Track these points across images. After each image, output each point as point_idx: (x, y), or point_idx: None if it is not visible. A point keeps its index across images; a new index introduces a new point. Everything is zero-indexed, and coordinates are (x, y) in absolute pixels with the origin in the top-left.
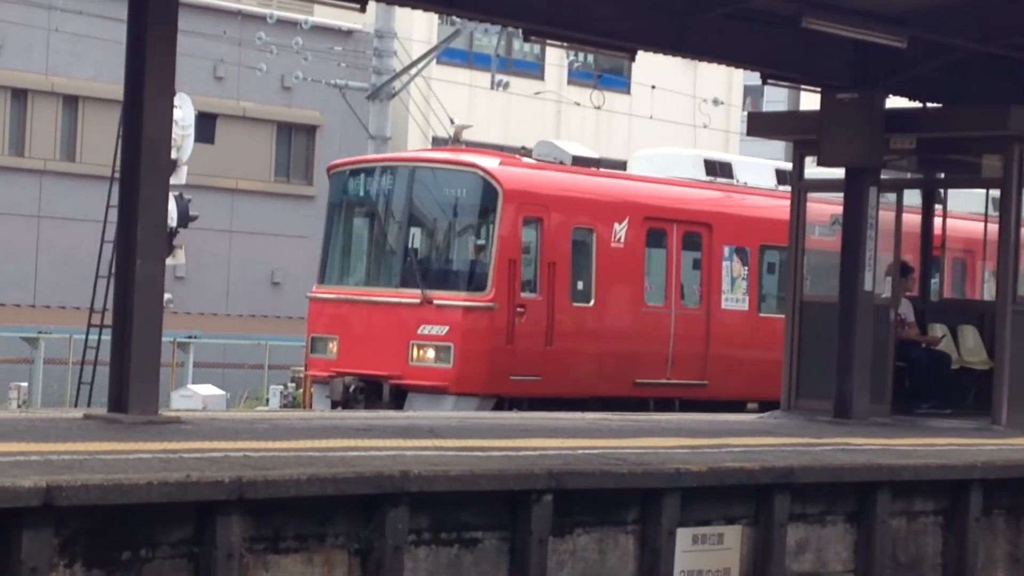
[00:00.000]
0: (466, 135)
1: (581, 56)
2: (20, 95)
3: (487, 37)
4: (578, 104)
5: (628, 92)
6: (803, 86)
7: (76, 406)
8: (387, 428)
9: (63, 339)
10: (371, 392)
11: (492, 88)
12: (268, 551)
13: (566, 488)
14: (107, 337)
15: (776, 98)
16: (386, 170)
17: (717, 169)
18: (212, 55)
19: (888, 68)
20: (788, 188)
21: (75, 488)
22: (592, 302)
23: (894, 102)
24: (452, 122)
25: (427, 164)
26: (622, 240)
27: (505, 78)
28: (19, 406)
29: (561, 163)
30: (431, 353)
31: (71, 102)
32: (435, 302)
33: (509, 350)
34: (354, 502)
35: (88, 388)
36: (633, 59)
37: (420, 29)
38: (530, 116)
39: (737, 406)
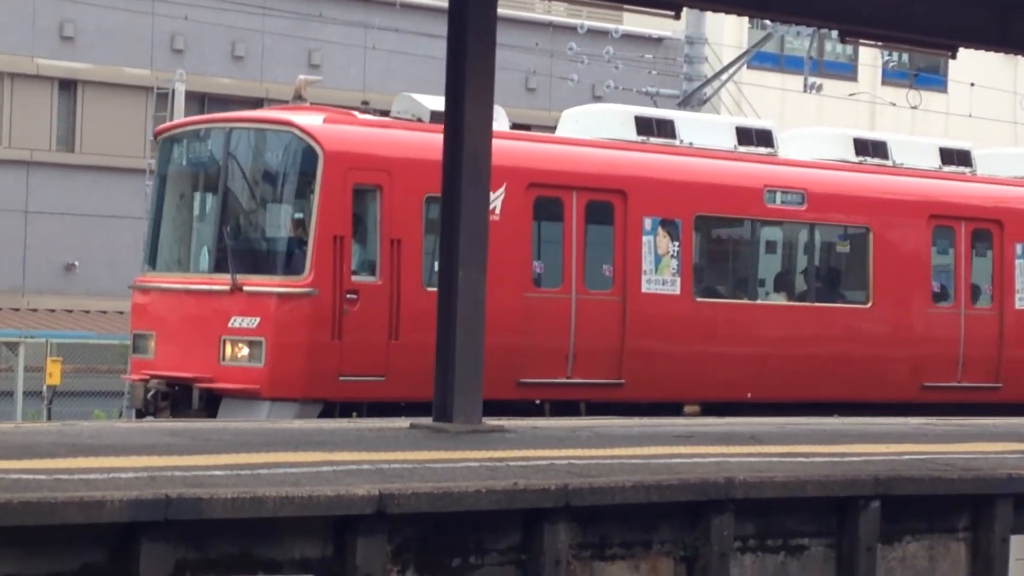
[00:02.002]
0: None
1: (896, 55)
2: None
3: (799, 40)
4: (893, 104)
5: (945, 91)
6: None
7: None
8: (708, 435)
9: None
10: (181, 397)
11: (805, 91)
12: (594, 558)
13: (893, 494)
14: None
15: None
16: (202, 134)
17: (653, 128)
18: (524, 67)
19: None
20: (749, 149)
21: (406, 496)
22: None
23: None
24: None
25: (241, 125)
26: (498, 212)
27: (818, 80)
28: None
29: (419, 120)
30: (244, 350)
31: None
32: (245, 289)
33: (336, 346)
34: (679, 509)
35: None
36: (954, 56)
37: (730, 34)
38: (844, 118)
39: (667, 409)
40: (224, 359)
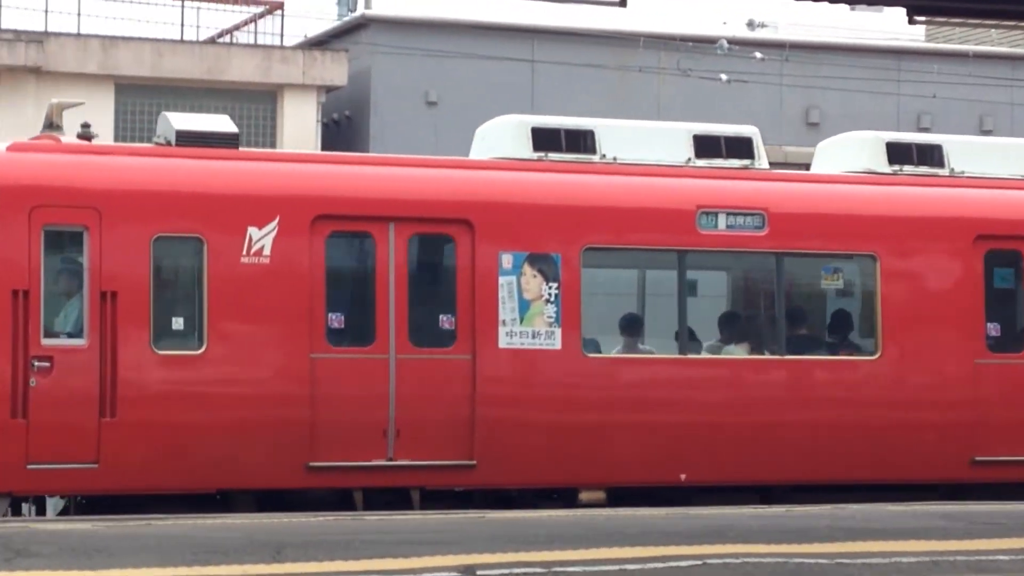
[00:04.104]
0: None
1: None
2: None
3: None
4: None
5: None
6: None
7: None
8: None
9: None
10: None
11: None
12: None
13: None
14: None
15: None
16: None
17: (561, 142)
18: None
19: None
20: (712, 162)
21: None
22: (203, 348)
23: None
24: None
25: None
26: (266, 252)
27: None
28: None
29: (167, 144)
30: None
31: None
32: None
33: (19, 426)
34: None
35: None
36: None
37: None
38: None
39: (548, 496)
40: None
